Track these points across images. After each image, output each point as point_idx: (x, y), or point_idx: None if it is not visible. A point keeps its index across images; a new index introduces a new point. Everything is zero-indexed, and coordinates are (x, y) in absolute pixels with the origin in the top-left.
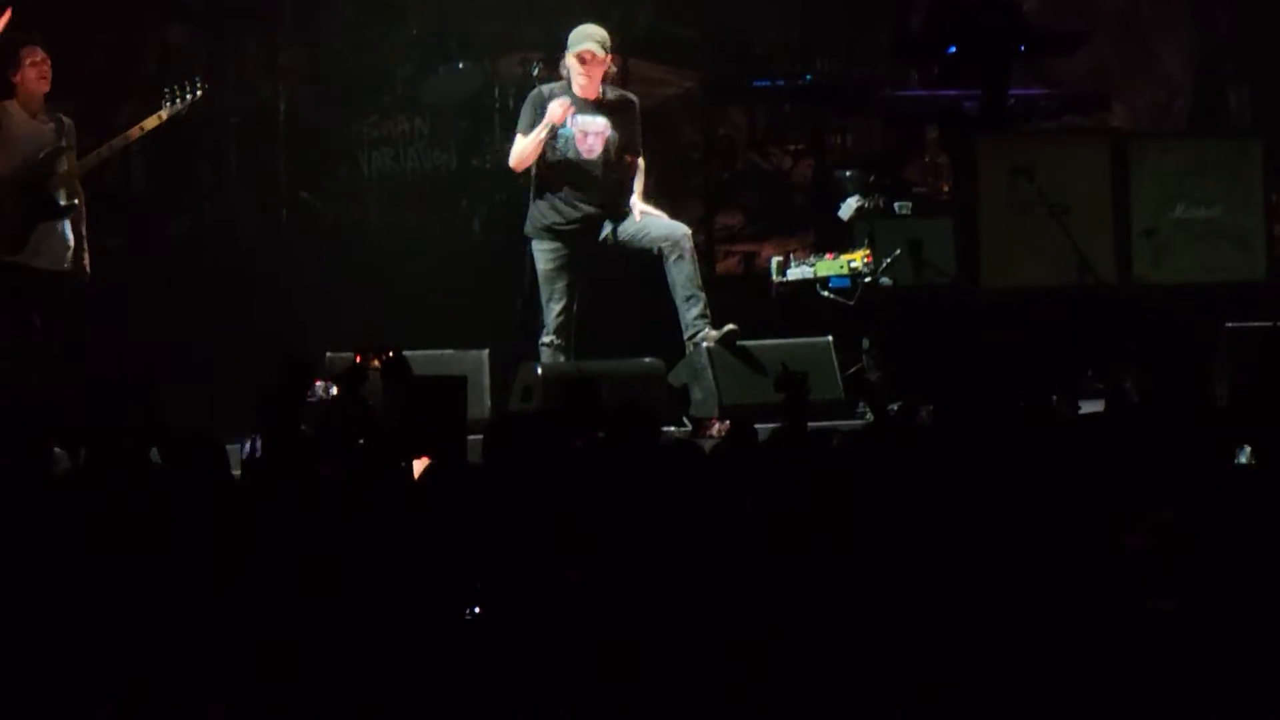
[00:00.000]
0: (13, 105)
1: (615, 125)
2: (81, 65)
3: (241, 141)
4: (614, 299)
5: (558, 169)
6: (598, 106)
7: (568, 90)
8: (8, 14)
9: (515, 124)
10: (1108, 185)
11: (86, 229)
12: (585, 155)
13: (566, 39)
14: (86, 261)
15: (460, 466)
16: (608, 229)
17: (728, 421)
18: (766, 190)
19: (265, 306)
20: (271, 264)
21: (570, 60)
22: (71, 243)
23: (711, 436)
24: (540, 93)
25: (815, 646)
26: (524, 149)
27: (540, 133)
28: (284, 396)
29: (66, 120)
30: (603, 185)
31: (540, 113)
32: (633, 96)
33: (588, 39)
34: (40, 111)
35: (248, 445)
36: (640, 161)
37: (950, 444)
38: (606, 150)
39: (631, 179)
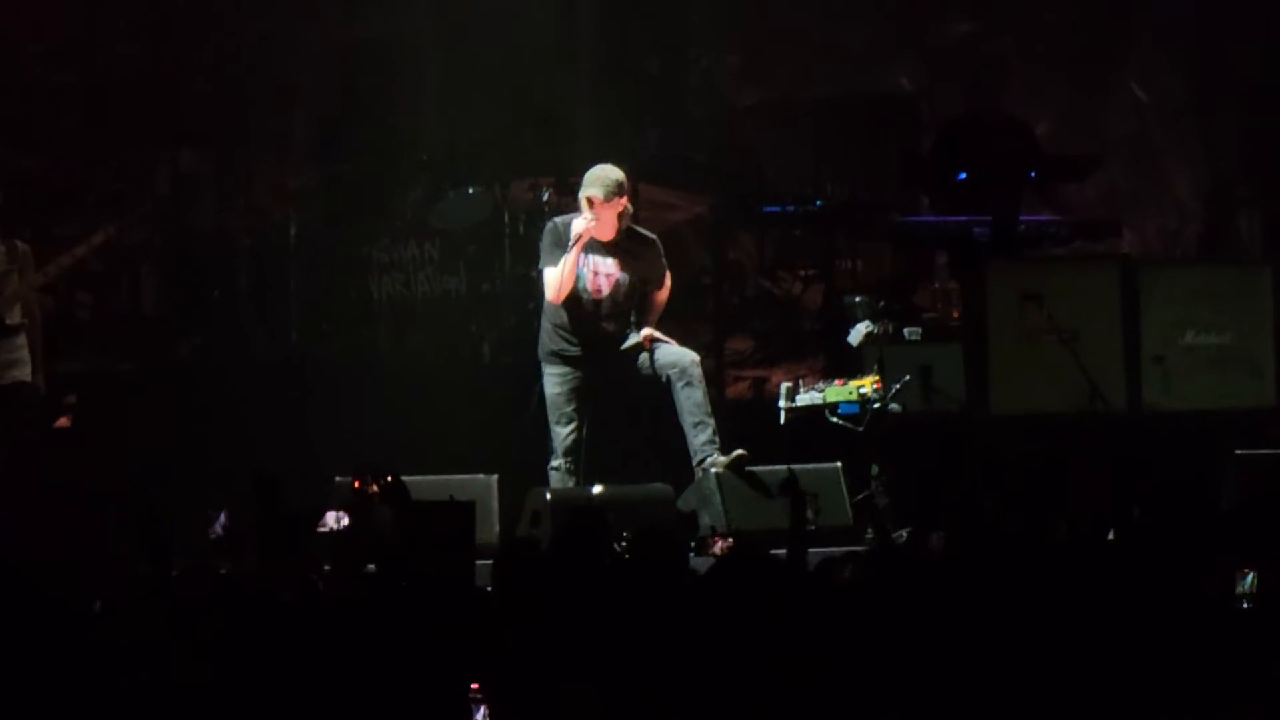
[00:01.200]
0: None
1: (627, 267)
2: (94, 187)
3: (251, 264)
4: (623, 423)
5: (566, 302)
6: (610, 248)
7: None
8: None
9: (537, 259)
10: (1118, 311)
11: (42, 346)
12: (593, 294)
13: (576, 164)
14: (41, 380)
15: (468, 592)
16: (615, 356)
17: (730, 539)
18: (776, 315)
19: (274, 430)
20: (281, 387)
21: (582, 200)
22: (23, 359)
23: (714, 554)
24: (555, 225)
25: None
26: (559, 277)
27: (572, 255)
28: (262, 517)
29: (21, 245)
30: (606, 324)
31: (560, 243)
32: (652, 236)
33: (593, 183)
34: None
35: (218, 522)
36: (663, 293)
37: (960, 572)
38: (615, 291)
39: (647, 311)
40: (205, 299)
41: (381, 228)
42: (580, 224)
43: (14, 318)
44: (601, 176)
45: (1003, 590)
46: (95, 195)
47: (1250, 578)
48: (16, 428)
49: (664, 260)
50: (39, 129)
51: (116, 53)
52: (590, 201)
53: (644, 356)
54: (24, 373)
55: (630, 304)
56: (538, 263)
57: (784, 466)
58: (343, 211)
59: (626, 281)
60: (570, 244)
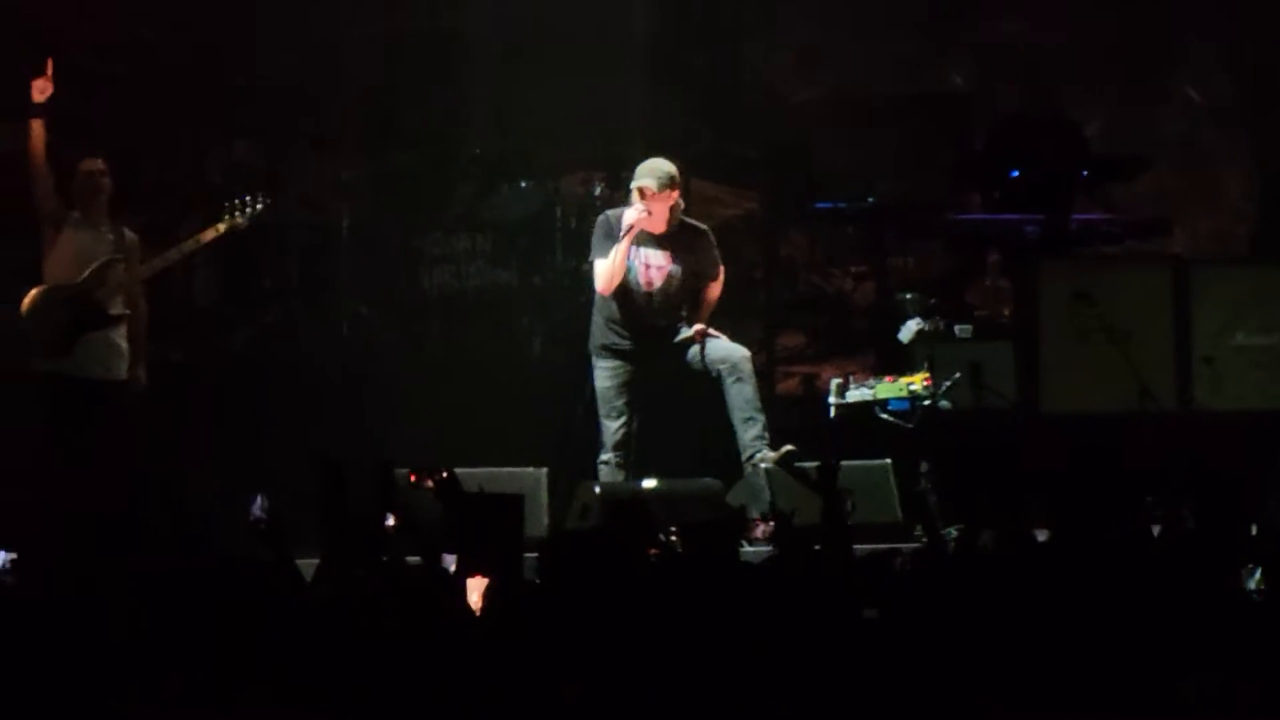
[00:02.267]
0: (74, 215)
1: (679, 259)
2: (149, 177)
3: (303, 256)
4: (674, 418)
5: (617, 295)
6: (662, 241)
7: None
8: (48, 67)
9: (588, 253)
10: (1168, 311)
11: (146, 339)
12: (644, 287)
13: (628, 159)
14: (143, 372)
15: (516, 585)
16: (666, 350)
17: (772, 523)
18: (827, 312)
19: (324, 421)
20: (332, 379)
21: (634, 193)
22: (125, 352)
23: (758, 538)
24: (607, 218)
25: None
26: (609, 268)
27: (623, 246)
28: (326, 503)
29: (129, 234)
30: (658, 317)
31: (611, 235)
32: (703, 227)
33: (645, 174)
34: (101, 222)
35: (256, 504)
36: (717, 286)
37: (1011, 569)
38: (667, 283)
39: (700, 305)
40: (257, 290)
41: (433, 220)
42: (632, 215)
43: (116, 308)
44: (654, 168)
45: (1051, 589)
46: (149, 186)
47: (1258, 573)
48: (109, 428)
49: (717, 252)
50: (92, 121)
51: (168, 45)
52: (642, 192)
53: (695, 351)
54: (120, 369)
55: (681, 297)
56: (589, 255)
57: (818, 463)
58: (395, 204)
59: (679, 274)
60: (621, 235)
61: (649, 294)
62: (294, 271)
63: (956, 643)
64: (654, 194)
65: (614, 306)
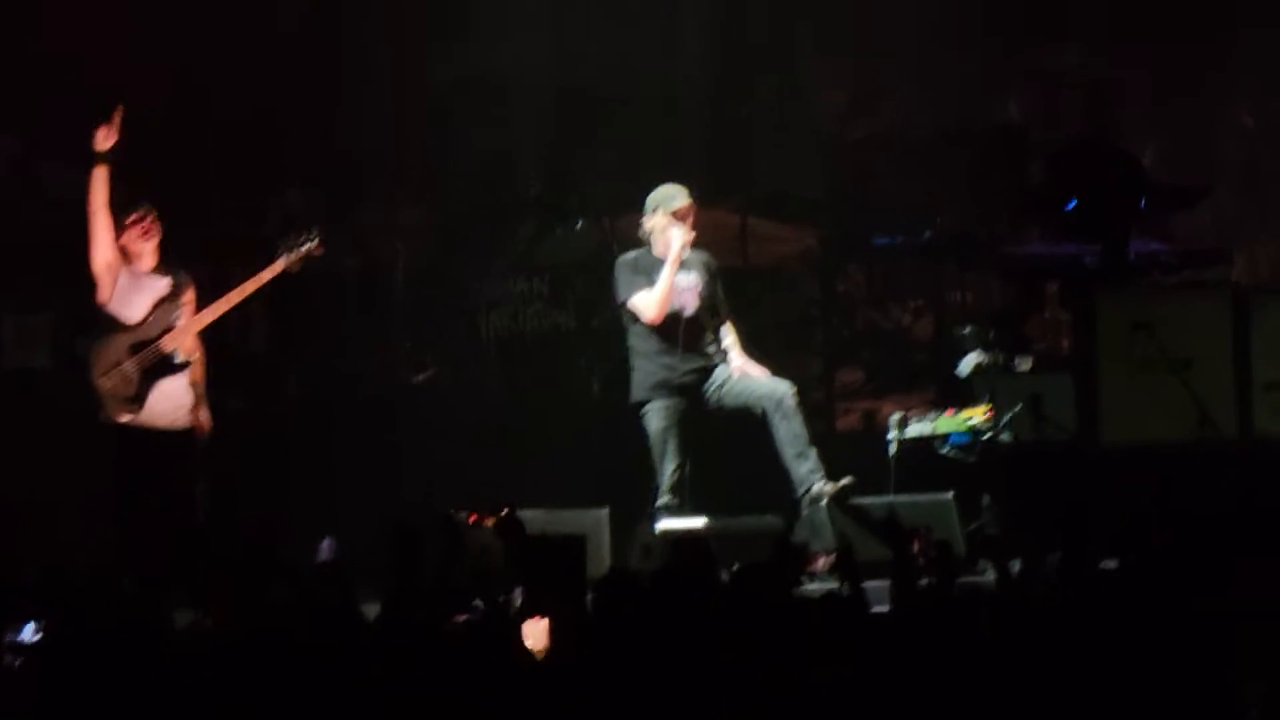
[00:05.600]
0: (129, 264)
1: (704, 281)
2: (204, 228)
3: (361, 301)
4: (727, 455)
5: (660, 327)
6: (685, 264)
7: (649, 255)
8: (118, 111)
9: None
10: (1229, 339)
11: (207, 384)
12: (684, 311)
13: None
14: (206, 417)
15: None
16: (711, 387)
17: (834, 555)
18: (886, 347)
19: (385, 464)
20: (391, 422)
21: (660, 220)
22: (188, 400)
23: (816, 571)
24: (628, 259)
25: None
26: (660, 294)
27: (671, 268)
28: (399, 566)
29: (186, 277)
30: (702, 338)
31: (641, 270)
32: (707, 255)
33: (675, 196)
34: (157, 268)
35: (324, 547)
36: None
37: (1078, 600)
38: (700, 304)
39: (731, 337)
40: (315, 336)
41: (490, 263)
42: (682, 234)
43: (181, 355)
44: (675, 190)
45: (1119, 617)
46: (203, 236)
47: None
48: (178, 478)
49: (721, 285)
50: (145, 171)
51: (223, 96)
52: (679, 214)
53: (738, 389)
54: (183, 417)
55: (713, 324)
56: (618, 299)
57: (887, 500)
58: (451, 247)
59: (708, 294)
60: (670, 259)
61: (689, 316)
62: (351, 316)
63: (1029, 674)
64: (688, 210)
65: (661, 342)
